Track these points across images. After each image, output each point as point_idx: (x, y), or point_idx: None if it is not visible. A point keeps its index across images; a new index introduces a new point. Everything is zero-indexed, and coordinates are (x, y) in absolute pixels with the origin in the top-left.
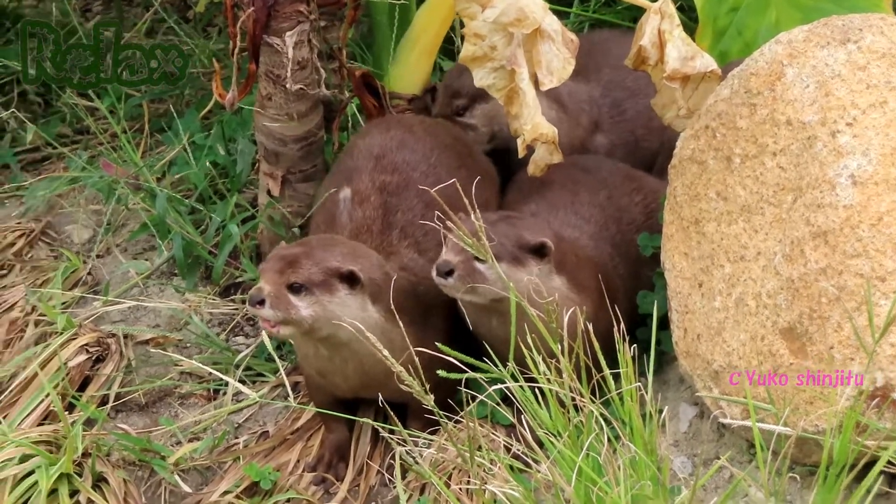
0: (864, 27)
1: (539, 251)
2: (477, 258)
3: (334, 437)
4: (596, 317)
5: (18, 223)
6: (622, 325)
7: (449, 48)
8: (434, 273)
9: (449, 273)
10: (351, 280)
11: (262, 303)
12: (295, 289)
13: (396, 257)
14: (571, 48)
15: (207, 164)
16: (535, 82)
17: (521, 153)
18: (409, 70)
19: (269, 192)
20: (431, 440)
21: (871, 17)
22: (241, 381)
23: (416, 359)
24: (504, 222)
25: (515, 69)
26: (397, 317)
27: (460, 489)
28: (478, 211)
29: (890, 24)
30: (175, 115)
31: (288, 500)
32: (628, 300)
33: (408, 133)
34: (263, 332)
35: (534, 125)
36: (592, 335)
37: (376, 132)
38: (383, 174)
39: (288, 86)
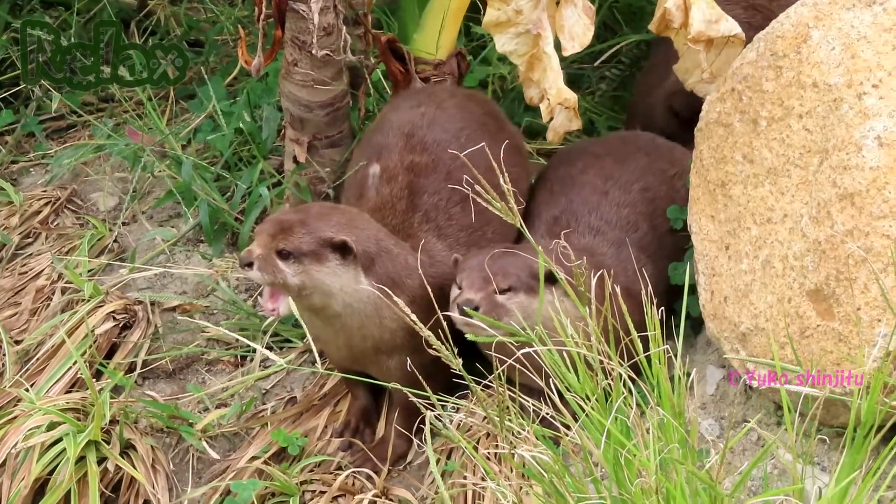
0: None
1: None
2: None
3: (359, 403)
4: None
5: (44, 191)
6: (649, 288)
7: (474, 16)
8: (238, 264)
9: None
10: (343, 250)
11: (250, 265)
12: (283, 255)
13: (414, 239)
14: (590, 14)
15: (233, 131)
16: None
17: (546, 118)
18: (434, 36)
19: (294, 159)
20: (461, 405)
21: None
22: (269, 348)
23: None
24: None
25: (541, 33)
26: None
27: (489, 454)
28: (509, 183)
29: None
30: (200, 82)
31: (319, 464)
32: (664, 298)
33: (439, 109)
34: (289, 297)
35: (558, 90)
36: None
37: (406, 107)
38: (412, 154)
39: (314, 52)
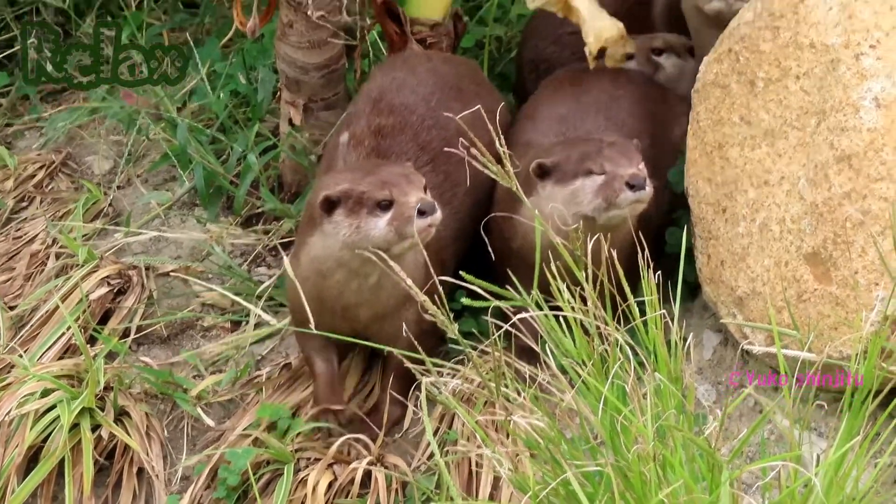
0: None
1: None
2: None
3: (323, 377)
4: None
5: (39, 155)
6: (646, 252)
7: None
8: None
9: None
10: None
11: (433, 207)
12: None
13: None
14: None
15: (228, 93)
16: None
17: (592, 65)
18: None
19: (290, 121)
20: (457, 370)
21: None
22: (263, 312)
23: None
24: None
25: None
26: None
27: (485, 420)
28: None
29: None
30: (195, 43)
31: (316, 430)
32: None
33: (410, 75)
34: (285, 259)
35: (596, 35)
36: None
37: (380, 75)
38: (379, 117)
39: (309, 13)
